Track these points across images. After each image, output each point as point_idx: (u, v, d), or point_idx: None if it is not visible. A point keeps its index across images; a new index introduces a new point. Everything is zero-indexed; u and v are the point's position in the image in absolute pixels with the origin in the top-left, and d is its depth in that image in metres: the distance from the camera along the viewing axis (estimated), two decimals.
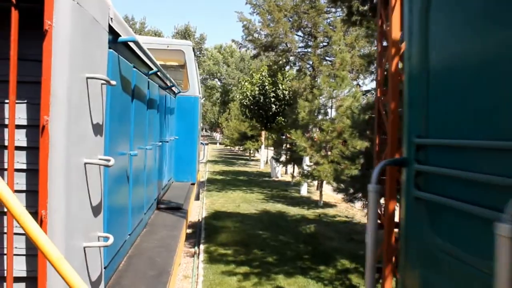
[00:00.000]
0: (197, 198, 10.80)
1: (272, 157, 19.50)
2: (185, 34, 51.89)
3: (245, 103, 20.52)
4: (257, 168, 26.25)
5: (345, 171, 12.94)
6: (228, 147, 46.13)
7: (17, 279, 2.15)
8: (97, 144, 2.45)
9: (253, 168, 26.29)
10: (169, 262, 3.69)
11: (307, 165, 14.44)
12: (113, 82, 2.50)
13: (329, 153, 13.08)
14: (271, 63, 16.63)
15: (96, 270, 2.51)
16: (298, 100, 14.15)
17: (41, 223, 1.91)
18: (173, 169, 7.83)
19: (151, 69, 4.58)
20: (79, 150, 2.18)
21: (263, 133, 27.48)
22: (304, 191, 15.84)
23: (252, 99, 19.99)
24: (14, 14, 1.97)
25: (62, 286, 1.69)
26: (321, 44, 15.37)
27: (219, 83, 60.80)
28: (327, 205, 13.93)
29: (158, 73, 4.91)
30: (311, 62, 15.42)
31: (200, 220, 11.32)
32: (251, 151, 32.14)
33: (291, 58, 15.79)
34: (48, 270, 1.92)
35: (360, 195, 9.79)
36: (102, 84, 2.47)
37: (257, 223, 10.88)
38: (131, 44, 3.43)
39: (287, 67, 16.27)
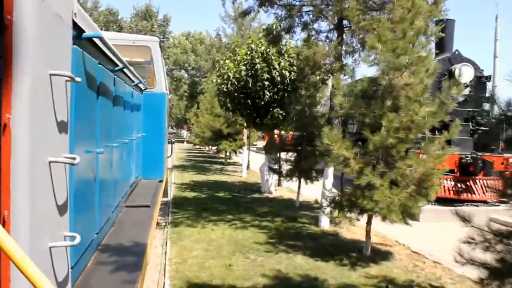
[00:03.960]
0: (166, 194, 10.61)
1: (269, 167, 13.67)
2: (146, 15, 45.07)
3: (225, 90, 14.58)
4: (238, 176, 20.34)
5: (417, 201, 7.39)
6: (198, 147, 40.15)
7: None
8: (62, 142, 2.43)
9: (233, 176, 20.35)
10: (138, 261, 3.56)
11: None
12: (78, 79, 2.46)
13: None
14: (270, 25, 10.83)
15: (62, 271, 2.46)
16: (331, 76, 8.38)
17: (4, 223, 1.83)
18: (141, 166, 7.48)
19: (117, 65, 4.46)
20: (43, 149, 2.12)
21: (245, 131, 21.61)
22: (325, 222, 10.11)
23: (236, 83, 14.11)
24: None
25: None
26: None
27: (186, 74, 54.67)
28: (377, 252, 8.28)
29: (124, 69, 4.82)
30: (337, 20, 9.63)
31: None
32: (228, 153, 26.19)
33: (306, 16, 10.01)
34: (12, 271, 1.81)
35: None
36: (66, 81, 2.42)
37: None
38: (96, 40, 3.33)
39: (298, 31, 10.44)
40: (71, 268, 2.68)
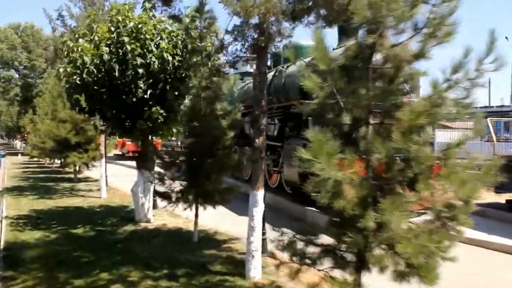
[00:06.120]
0: None
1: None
2: None
3: (78, 82, 10.23)
4: (96, 197, 15.83)
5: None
6: (37, 159, 33.62)
7: None
8: None
9: (89, 197, 15.77)
10: None
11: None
12: None
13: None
14: None
15: None
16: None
17: None
18: None
19: None
20: None
21: (101, 137, 17.11)
22: (256, 271, 6.76)
23: (95, 71, 9.94)
24: None
25: None
26: None
27: (17, 75, 46.61)
28: None
29: None
30: None
31: None
32: (79, 167, 21.19)
33: None
34: None
35: None
36: None
37: None
38: None
39: None
40: None
